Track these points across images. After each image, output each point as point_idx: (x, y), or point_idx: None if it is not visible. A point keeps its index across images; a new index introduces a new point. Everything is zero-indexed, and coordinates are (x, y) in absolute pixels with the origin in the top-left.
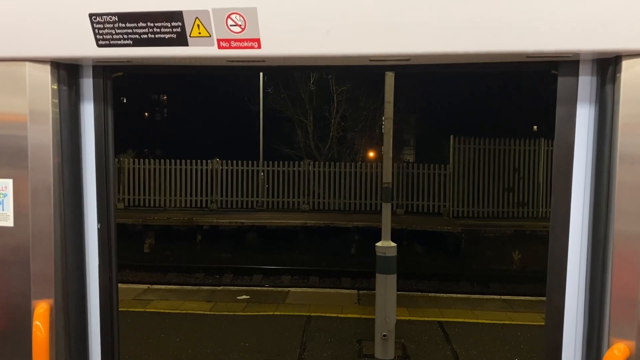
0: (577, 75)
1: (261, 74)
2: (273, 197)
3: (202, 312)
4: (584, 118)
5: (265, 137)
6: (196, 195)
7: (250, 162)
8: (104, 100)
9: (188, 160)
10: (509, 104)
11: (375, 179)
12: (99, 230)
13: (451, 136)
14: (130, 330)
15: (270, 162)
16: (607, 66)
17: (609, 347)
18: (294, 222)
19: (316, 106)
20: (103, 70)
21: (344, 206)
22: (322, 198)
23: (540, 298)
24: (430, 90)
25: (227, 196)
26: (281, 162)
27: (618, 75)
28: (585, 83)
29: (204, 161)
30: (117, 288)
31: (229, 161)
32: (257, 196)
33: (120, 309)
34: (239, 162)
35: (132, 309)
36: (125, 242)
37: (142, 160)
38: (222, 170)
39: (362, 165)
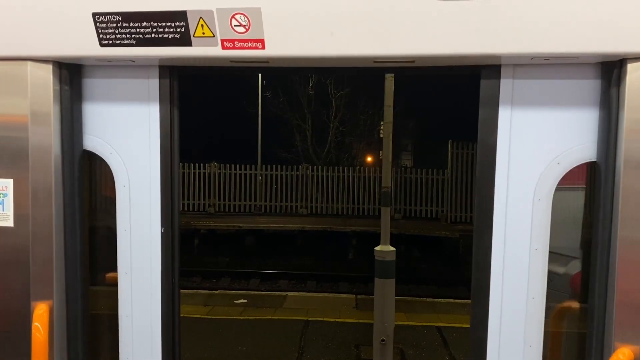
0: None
1: (260, 77)
2: (271, 201)
3: (199, 316)
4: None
5: (263, 141)
6: (194, 199)
7: (248, 166)
8: (170, 101)
9: (186, 164)
10: None
11: (373, 183)
12: (162, 234)
13: (449, 141)
14: None
15: (269, 166)
16: (612, 69)
17: (613, 351)
18: (292, 226)
19: (315, 110)
20: (170, 70)
21: (342, 210)
22: (320, 202)
23: None
24: (429, 95)
25: (224, 200)
26: (279, 166)
27: (623, 78)
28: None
29: (202, 165)
30: (179, 292)
31: (227, 165)
32: (255, 200)
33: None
34: (237, 166)
35: None
36: None
37: None
38: (220, 174)
39: (360, 169)
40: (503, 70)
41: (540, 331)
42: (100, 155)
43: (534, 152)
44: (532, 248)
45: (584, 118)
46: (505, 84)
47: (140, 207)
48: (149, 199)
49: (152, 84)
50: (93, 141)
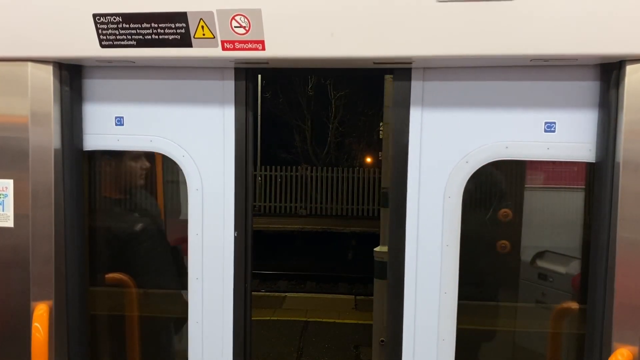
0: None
1: (259, 77)
2: (270, 201)
3: None
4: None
5: (263, 141)
6: None
7: None
8: (245, 104)
9: None
10: None
11: (372, 184)
12: (235, 238)
13: None
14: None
15: (268, 167)
16: (611, 71)
17: (612, 352)
18: (291, 226)
19: (314, 111)
20: (246, 72)
21: (342, 211)
22: (320, 203)
23: None
24: None
25: None
26: (279, 167)
27: (622, 80)
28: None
29: None
30: (251, 297)
31: None
32: (255, 201)
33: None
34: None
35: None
36: None
37: None
38: None
39: (359, 170)
40: (414, 73)
41: (453, 325)
42: (172, 158)
43: (444, 151)
44: (444, 244)
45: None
46: (416, 86)
47: (213, 211)
48: (222, 203)
49: (227, 86)
50: (163, 143)
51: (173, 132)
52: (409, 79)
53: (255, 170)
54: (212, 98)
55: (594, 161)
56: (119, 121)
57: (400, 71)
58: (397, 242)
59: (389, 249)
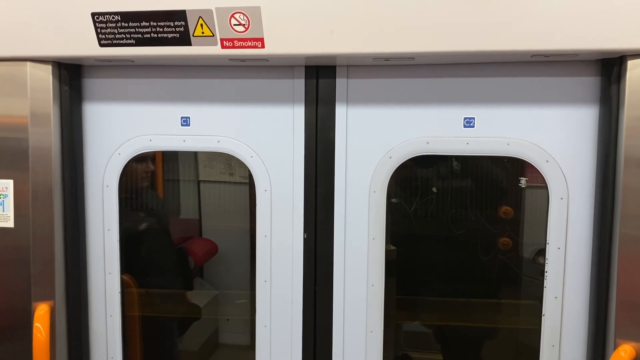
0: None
1: None
2: None
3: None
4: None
5: None
6: None
7: None
8: (316, 103)
9: None
10: None
11: None
12: (305, 241)
13: None
14: None
15: None
16: (612, 67)
17: (614, 348)
18: None
19: None
20: (317, 70)
21: None
22: None
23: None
24: None
25: None
26: None
27: (623, 75)
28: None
29: None
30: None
31: None
32: None
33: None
34: None
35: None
36: None
37: None
38: None
39: None
40: (338, 71)
41: (380, 317)
42: (239, 158)
43: (368, 147)
44: (370, 237)
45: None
46: (341, 83)
47: (282, 213)
48: (292, 204)
49: (298, 85)
50: (230, 143)
51: (242, 132)
52: (334, 77)
53: None
54: (282, 97)
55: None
56: (185, 121)
57: (324, 69)
58: (326, 236)
59: (316, 243)
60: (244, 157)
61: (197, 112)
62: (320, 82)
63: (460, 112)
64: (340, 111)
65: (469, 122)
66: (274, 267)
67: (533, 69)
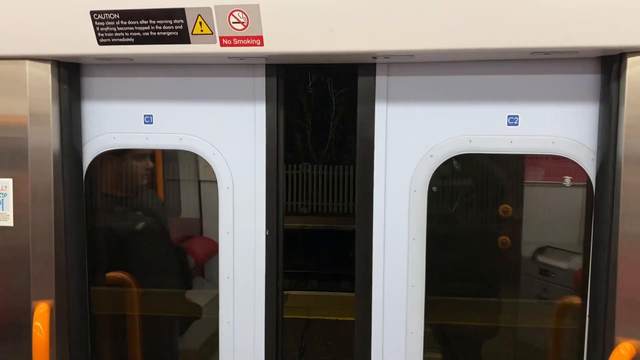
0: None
1: None
2: None
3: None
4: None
5: None
6: None
7: None
8: (277, 101)
9: None
10: None
11: None
12: (267, 237)
13: None
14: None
15: None
16: (612, 64)
17: (614, 346)
18: (293, 225)
19: (314, 109)
20: (277, 69)
21: (343, 209)
22: (321, 201)
23: None
24: None
25: None
26: None
27: (623, 73)
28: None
29: None
30: (283, 297)
31: None
32: None
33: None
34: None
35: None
36: None
37: None
38: None
39: None
40: (378, 68)
41: (420, 318)
42: (201, 156)
43: (408, 145)
44: (410, 238)
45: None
46: (380, 80)
47: (244, 210)
48: (254, 201)
49: (259, 83)
50: (193, 141)
51: (204, 130)
52: (374, 74)
53: None
54: (243, 95)
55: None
56: (148, 119)
57: (364, 66)
58: (365, 237)
59: (356, 244)
60: (206, 154)
61: (160, 110)
62: (360, 80)
63: (504, 109)
64: (380, 109)
65: (512, 120)
66: (237, 264)
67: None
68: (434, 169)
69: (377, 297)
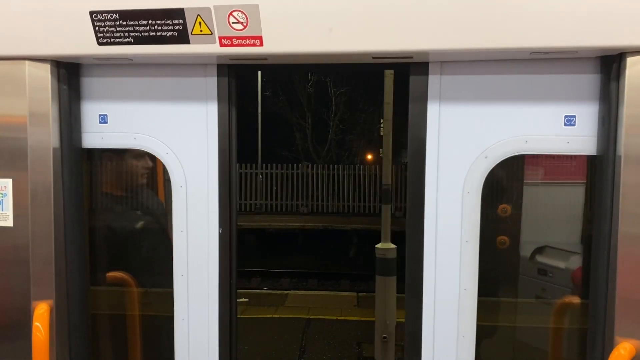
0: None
1: (259, 75)
2: (271, 199)
3: None
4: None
5: (263, 139)
6: None
7: (248, 164)
8: (228, 100)
9: None
10: None
11: (373, 181)
12: (220, 235)
13: None
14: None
15: (269, 165)
16: (611, 64)
17: (614, 346)
18: (293, 224)
19: (314, 109)
20: (228, 69)
21: (343, 208)
22: (321, 200)
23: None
24: None
25: None
26: (279, 165)
27: (622, 72)
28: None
29: None
30: (237, 294)
31: None
32: (256, 199)
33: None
34: (237, 165)
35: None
36: None
37: None
38: None
39: (360, 167)
40: (431, 67)
41: (473, 322)
42: (155, 155)
43: (462, 146)
44: (463, 240)
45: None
46: (433, 80)
47: (197, 208)
48: (207, 200)
49: (210, 83)
50: (146, 140)
51: (157, 129)
52: (427, 73)
53: (256, 168)
54: (195, 95)
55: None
56: (103, 119)
57: (417, 65)
58: (416, 239)
59: (406, 246)
60: (159, 153)
61: (114, 109)
62: (411, 80)
63: (561, 109)
64: (433, 109)
65: (569, 121)
66: (191, 262)
67: None
68: (489, 170)
69: (428, 300)
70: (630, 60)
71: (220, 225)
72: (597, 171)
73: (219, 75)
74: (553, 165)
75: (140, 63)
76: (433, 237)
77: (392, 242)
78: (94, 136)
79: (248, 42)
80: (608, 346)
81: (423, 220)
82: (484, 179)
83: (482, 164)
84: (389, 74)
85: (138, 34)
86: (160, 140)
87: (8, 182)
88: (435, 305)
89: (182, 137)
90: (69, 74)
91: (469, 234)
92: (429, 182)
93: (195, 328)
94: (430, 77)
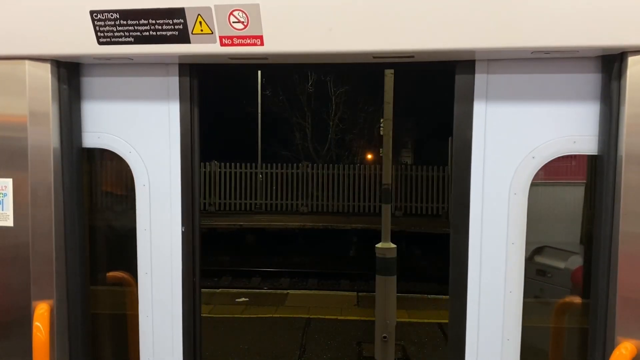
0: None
1: (259, 75)
2: (271, 199)
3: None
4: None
5: (263, 139)
6: None
7: (248, 164)
8: (190, 99)
9: None
10: None
11: (373, 181)
12: (183, 233)
13: (449, 138)
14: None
15: (269, 165)
16: (612, 63)
17: (616, 346)
18: (293, 224)
19: (314, 108)
20: (190, 68)
21: (343, 208)
22: (321, 200)
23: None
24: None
25: (225, 199)
26: (279, 165)
27: (624, 72)
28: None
29: (202, 164)
30: (200, 292)
31: (227, 163)
32: (256, 198)
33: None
34: (237, 164)
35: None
36: None
37: None
38: (220, 172)
39: (360, 167)
40: (477, 66)
41: (518, 324)
42: (119, 154)
43: (509, 146)
44: (509, 242)
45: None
46: (480, 79)
47: (160, 207)
48: (170, 198)
49: (172, 82)
50: (110, 139)
51: (121, 128)
52: (473, 72)
53: (256, 167)
54: (157, 95)
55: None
56: None
57: (463, 64)
58: (460, 241)
59: (451, 247)
60: (122, 152)
61: (86, 109)
62: (457, 79)
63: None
64: (479, 108)
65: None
66: (154, 260)
67: None
68: (536, 171)
69: (473, 302)
70: (631, 60)
71: (183, 224)
72: (598, 171)
73: (180, 74)
74: (554, 166)
75: (104, 63)
76: (478, 238)
77: (392, 241)
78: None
79: (249, 41)
80: (609, 346)
81: (468, 221)
82: (531, 180)
83: (529, 164)
84: (389, 74)
85: (138, 33)
86: (123, 140)
87: (8, 182)
88: (480, 307)
89: (145, 137)
90: (69, 74)
91: (515, 236)
92: (474, 183)
93: (159, 325)
94: (476, 76)
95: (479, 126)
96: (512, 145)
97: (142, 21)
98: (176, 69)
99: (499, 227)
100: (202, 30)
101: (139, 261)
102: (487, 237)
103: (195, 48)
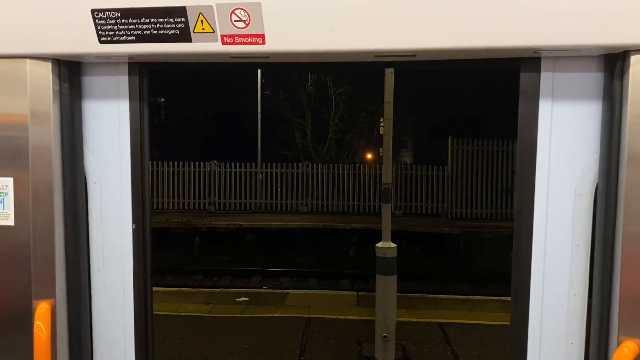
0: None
1: (259, 74)
2: (271, 199)
3: (200, 314)
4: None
5: (263, 139)
6: (194, 198)
7: (248, 164)
8: (139, 98)
9: (186, 163)
10: (507, 105)
11: (373, 180)
12: (134, 231)
13: (449, 138)
14: None
15: (269, 164)
16: (615, 62)
17: (618, 345)
18: (293, 224)
19: (314, 108)
20: (139, 66)
21: (343, 208)
22: (321, 200)
23: None
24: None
25: (225, 198)
26: (279, 164)
27: (626, 71)
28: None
29: (202, 163)
30: (152, 289)
31: (227, 163)
32: (256, 198)
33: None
34: (237, 164)
35: None
36: None
37: None
38: (220, 172)
39: (360, 167)
40: (543, 63)
41: (582, 328)
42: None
43: (575, 146)
44: (574, 244)
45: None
46: (545, 77)
47: (111, 204)
48: (120, 196)
49: (122, 81)
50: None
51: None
52: (539, 70)
53: (255, 167)
54: (107, 93)
55: None
56: None
57: (528, 61)
58: (524, 243)
59: (514, 248)
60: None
61: None
62: (522, 77)
63: None
64: (545, 107)
65: None
66: (106, 258)
67: None
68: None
69: (535, 305)
70: (634, 59)
71: (133, 221)
72: (600, 170)
73: (130, 73)
74: None
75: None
76: (542, 240)
77: (392, 241)
78: None
79: (250, 40)
80: (611, 346)
81: (532, 222)
82: (597, 181)
83: (596, 165)
84: (389, 73)
85: (140, 32)
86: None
87: (9, 181)
88: (543, 310)
89: (96, 136)
90: (70, 73)
91: (580, 238)
92: (539, 184)
93: (111, 322)
94: (542, 74)
95: (545, 125)
96: (578, 146)
97: (144, 20)
98: (126, 68)
99: (564, 228)
100: (203, 29)
101: (91, 258)
102: (552, 239)
103: (196, 47)
